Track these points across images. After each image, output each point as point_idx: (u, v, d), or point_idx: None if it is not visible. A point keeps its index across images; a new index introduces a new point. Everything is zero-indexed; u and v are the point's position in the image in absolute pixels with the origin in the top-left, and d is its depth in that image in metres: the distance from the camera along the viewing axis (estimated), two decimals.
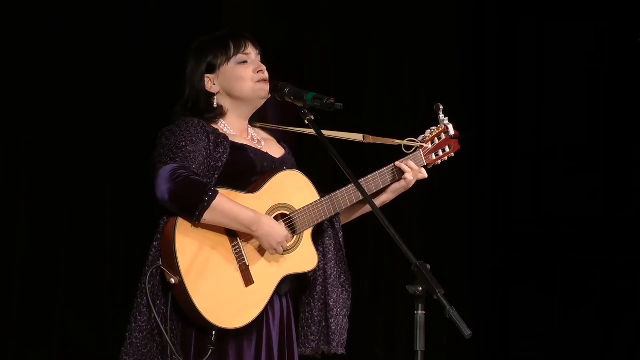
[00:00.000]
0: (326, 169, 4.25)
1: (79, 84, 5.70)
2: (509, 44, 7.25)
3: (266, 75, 3.88)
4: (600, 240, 7.12)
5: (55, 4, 5.61)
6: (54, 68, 5.64)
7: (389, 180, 4.02)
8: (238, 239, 3.74)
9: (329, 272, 3.91)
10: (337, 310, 3.90)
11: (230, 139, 3.82)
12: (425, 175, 4.08)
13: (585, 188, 7.17)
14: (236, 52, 3.88)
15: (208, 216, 3.64)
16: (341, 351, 3.93)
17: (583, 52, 7.19)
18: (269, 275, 3.77)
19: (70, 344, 5.72)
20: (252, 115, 3.96)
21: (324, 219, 3.88)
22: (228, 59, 3.88)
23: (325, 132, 3.72)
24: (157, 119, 4.08)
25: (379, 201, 4.03)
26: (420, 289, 3.30)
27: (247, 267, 3.73)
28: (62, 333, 5.70)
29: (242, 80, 3.87)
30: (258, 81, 3.87)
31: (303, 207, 3.84)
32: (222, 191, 3.68)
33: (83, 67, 5.70)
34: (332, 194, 3.89)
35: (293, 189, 3.86)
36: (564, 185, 7.21)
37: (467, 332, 3.24)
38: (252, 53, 3.90)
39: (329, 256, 3.91)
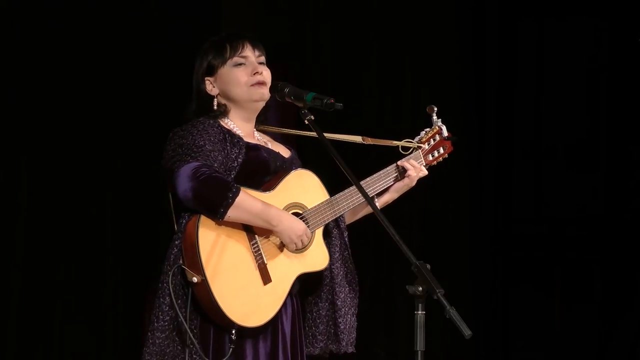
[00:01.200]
0: (329, 170, 4.24)
1: (79, 84, 5.70)
2: (509, 44, 7.25)
3: (263, 77, 3.86)
4: (600, 240, 7.11)
5: (56, 5, 5.61)
6: (53, 68, 5.63)
7: (392, 179, 4.05)
8: (256, 237, 3.75)
9: (335, 272, 3.91)
10: (345, 310, 3.92)
11: (244, 139, 3.83)
12: (426, 172, 4.12)
13: (585, 188, 7.17)
14: (232, 55, 3.87)
15: (232, 213, 3.64)
16: (351, 349, 3.95)
17: (583, 52, 7.19)
18: (284, 274, 3.79)
19: (70, 346, 5.71)
20: (258, 119, 3.96)
21: (333, 218, 3.90)
22: (224, 62, 3.87)
23: (325, 134, 3.72)
24: (158, 119, 4.09)
25: (382, 201, 4.07)
26: (420, 289, 3.31)
27: (265, 265, 3.74)
28: (62, 335, 5.69)
29: (236, 84, 3.86)
30: (253, 84, 3.86)
31: (315, 206, 3.86)
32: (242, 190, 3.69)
33: (82, 68, 5.70)
34: (340, 194, 3.91)
35: (305, 188, 3.88)
36: (564, 185, 7.20)
37: (467, 332, 3.24)
38: (250, 55, 3.89)
39: (335, 256, 3.92)
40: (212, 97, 3.88)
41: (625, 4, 6.96)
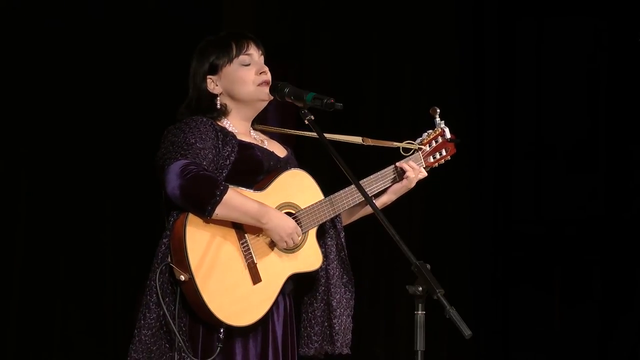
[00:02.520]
0: (327, 170, 4.25)
1: (79, 85, 5.70)
2: (508, 44, 7.25)
3: (269, 77, 3.87)
4: (600, 240, 7.12)
5: (56, 5, 5.61)
6: (53, 68, 5.64)
7: (390, 181, 4.04)
8: (246, 235, 3.73)
9: (331, 273, 3.90)
10: (341, 311, 3.91)
11: (238, 137, 3.82)
12: (425, 174, 4.11)
13: (585, 188, 7.17)
14: (238, 53, 3.87)
15: (220, 211, 3.63)
16: (346, 351, 3.93)
17: (582, 51, 7.19)
18: (275, 273, 3.77)
19: (71, 346, 5.72)
20: (255, 118, 3.96)
21: (328, 218, 3.88)
22: (230, 61, 3.86)
23: (325, 135, 3.72)
24: (157, 118, 4.08)
25: (380, 202, 4.05)
26: (420, 289, 3.31)
27: (255, 264, 3.73)
28: (62, 335, 5.69)
29: (243, 83, 3.86)
30: (260, 84, 3.86)
31: (308, 207, 3.85)
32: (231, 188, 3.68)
33: (82, 68, 5.70)
34: (336, 194, 3.90)
35: (298, 188, 3.87)
36: (564, 186, 7.21)
37: (467, 332, 3.24)
38: (254, 54, 3.89)
39: (331, 257, 3.91)
40: (214, 96, 3.88)
41: (625, 4, 6.96)
